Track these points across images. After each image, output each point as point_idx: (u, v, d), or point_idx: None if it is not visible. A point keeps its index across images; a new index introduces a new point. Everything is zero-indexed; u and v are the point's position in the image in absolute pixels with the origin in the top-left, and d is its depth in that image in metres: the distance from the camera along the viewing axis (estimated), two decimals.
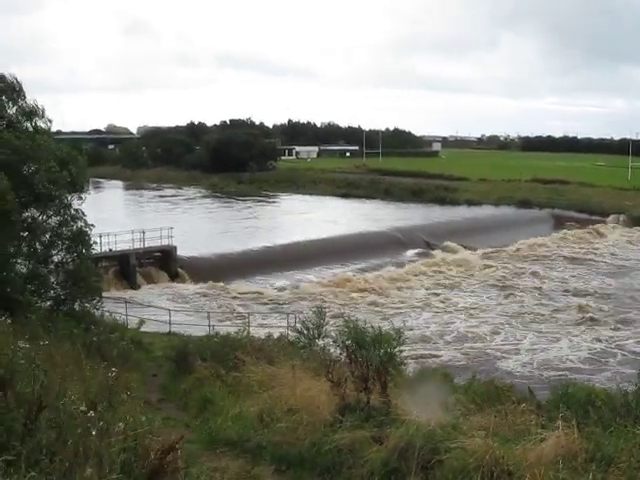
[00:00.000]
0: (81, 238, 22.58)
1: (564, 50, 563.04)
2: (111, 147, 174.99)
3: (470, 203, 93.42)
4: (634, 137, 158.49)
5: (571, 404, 13.09)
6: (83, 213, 22.94)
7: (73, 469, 5.74)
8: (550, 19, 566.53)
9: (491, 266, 56.86)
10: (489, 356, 34.01)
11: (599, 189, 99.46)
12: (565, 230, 75.67)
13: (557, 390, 15.43)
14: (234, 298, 44.53)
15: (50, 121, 23.56)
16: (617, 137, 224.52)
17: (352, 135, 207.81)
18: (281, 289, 47.69)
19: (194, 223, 75.38)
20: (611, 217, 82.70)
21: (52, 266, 22.61)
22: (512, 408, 12.06)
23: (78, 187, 23.11)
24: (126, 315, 30.35)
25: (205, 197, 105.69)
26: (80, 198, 23.36)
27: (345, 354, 12.94)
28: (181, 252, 49.95)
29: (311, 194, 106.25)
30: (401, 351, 13.14)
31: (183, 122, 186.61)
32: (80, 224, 22.76)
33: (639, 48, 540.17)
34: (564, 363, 32.78)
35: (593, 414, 11.84)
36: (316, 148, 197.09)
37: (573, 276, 55.00)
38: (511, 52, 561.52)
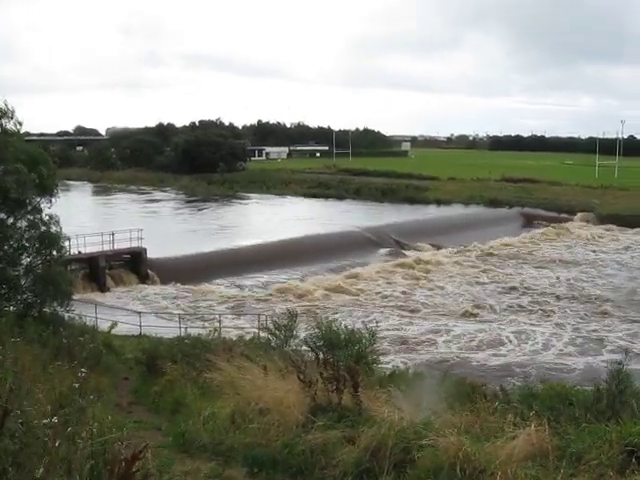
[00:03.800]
0: (51, 241, 22.35)
1: (531, 49, 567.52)
2: (79, 149, 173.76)
3: (440, 202, 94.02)
4: (601, 136, 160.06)
5: (543, 402, 13.18)
6: (54, 217, 22.74)
7: (40, 477, 5.65)
8: (516, 17, 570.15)
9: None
10: None
11: (567, 187, 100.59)
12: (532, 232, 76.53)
13: (528, 388, 15.53)
14: (205, 299, 44.43)
15: (20, 123, 23.31)
16: (585, 136, 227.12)
17: (322, 135, 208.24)
18: (254, 289, 47.66)
19: (163, 224, 75.09)
20: (579, 215, 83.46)
21: (21, 269, 22.40)
22: (484, 406, 12.11)
23: (48, 190, 22.87)
24: (96, 318, 30.12)
25: (175, 198, 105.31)
26: (50, 201, 23.16)
27: (316, 354, 12.93)
28: (151, 254, 49.64)
29: (282, 195, 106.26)
30: (374, 351, 13.14)
31: (152, 123, 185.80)
32: (53, 228, 22.55)
33: (606, 47, 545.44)
34: None
35: (564, 411, 11.92)
36: (286, 149, 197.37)
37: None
38: (478, 51, 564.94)
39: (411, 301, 45.64)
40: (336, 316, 37.61)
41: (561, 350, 35.12)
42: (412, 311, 43.16)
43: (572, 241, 71.96)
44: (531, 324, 40.12)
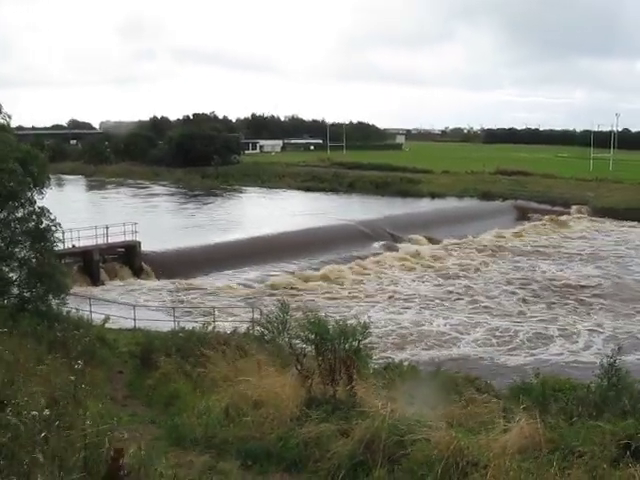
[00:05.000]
0: (42, 234, 22.23)
1: (522, 42, 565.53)
2: (73, 142, 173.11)
3: (434, 195, 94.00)
4: (595, 129, 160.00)
5: (535, 395, 13.22)
6: (48, 211, 22.63)
7: (34, 469, 5.66)
8: (507, 10, 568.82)
9: None
10: None
11: (561, 180, 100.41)
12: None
13: (521, 381, 15.58)
14: (199, 293, 44.38)
15: (9, 117, 23.15)
16: (579, 129, 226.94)
17: (316, 129, 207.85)
18: (251, 283, 47.63)
19: (158, 218, 75.06)
20: (574, 208, 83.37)
21: (15, 264, 22.30)
22: (476, 399, 12.15)
23: (39, 183, 22.73)
24: (90, 312, 30.01)
25: (176, 193, 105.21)
26: (41, 193, 23.02)
27: (311, 347, 12.96)
28: (145, 247, 49.56)
29: (276, 188, 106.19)
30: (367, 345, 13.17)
31: (146, 117, 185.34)
32: (45, 221, 22.43)
33: (597, 40, 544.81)
34: None
35: (556, 405, 11.97)
36: (280, 142, 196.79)
37: None
38: (470, 45, 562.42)
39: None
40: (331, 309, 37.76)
41: None
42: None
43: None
44: None
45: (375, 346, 31.84)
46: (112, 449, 6.20)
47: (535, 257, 59.65)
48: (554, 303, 43.62)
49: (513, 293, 46.22)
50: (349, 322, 13.68)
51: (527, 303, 43.56)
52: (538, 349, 34.37)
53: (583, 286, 47.93)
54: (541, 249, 63.71)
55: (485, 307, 42.57)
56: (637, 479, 8.37)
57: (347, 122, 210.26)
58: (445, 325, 38.39)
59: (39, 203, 22.86)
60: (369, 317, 33.26)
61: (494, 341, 35.50)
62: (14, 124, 24.31)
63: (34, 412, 6.24)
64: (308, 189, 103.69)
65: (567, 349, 34.31)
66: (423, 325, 38.33)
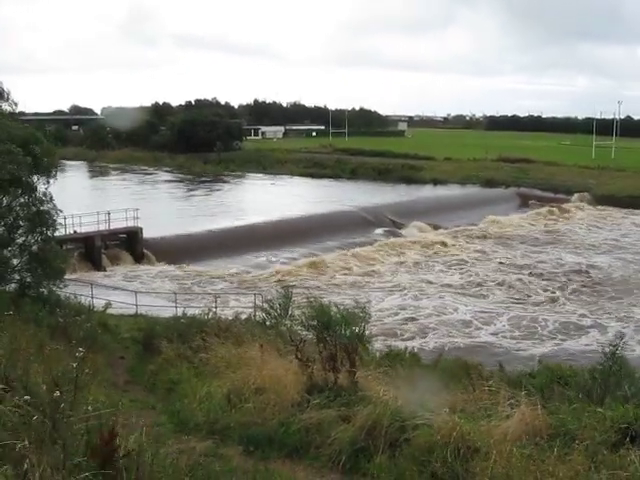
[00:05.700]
0: (42, 219, 22.19)
1: (525, 28, 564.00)
2: (75, 128, 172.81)
3: (436, 182, 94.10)
4: (598, 116, 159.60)
5: (537, 381, 13.24)
6: (51, 197, 22.60)
7: (39, 452, 5.68)
8: None
9: None
10: None
11: (564, 168, 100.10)
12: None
13: (524, 368, 15.61)
14: (202, 279, 44.40)
15: (16, 104, 23.24)
16: (581, 116, 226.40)
17: (318, 115, 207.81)
18: (255, 269, 47.69)
19: (159, 204, 75.10)
20: (576, 196, 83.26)
21: (16, 249, 22.31)
22: (479, 385, 12.16)
23: (43, 169, 22.69)
24: (92, 297, 30.01)
25: (178, 178, 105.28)
26: (47, 182, 23.01)
27: (313, 334, 12.97)
28: (147, 233, 49.56)
29: (278, 174, 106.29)
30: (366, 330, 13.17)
31: (148, 103, 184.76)
32: (48, 207, 22.41)
33: (599, 26, 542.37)
34: None
35: (558, 391, 11.99)
36: (282, 128, 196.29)
37: None
38: (473, 30, 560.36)
39: None
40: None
41: None
42: None
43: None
44: None
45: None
46: (104, 432, 6.23)
47: (547, 245, 59.58)
48: (574, 291, 43.58)
49: (523, 281, 46.02)
50: (350, 308, 13.68)
51: (535, 292, 43.45)
52: (567, 340, 34.00)
53: (599, 274, 47.80)
54: (549, 237, 63.65)
55: (496, 294, 42.57)
56: (636, 464, 8.39)
57: (349, 108, 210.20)
58: (466, 313, 38.19)
59: (46, 190, 22.85)
60: (367, 302, 33.29)
61: (516, 333, 34.97)
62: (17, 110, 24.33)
63: (42, 392, 6.29)
64: (310, 175, 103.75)
65: (596, 340, 33.27)
66: (444, 313, 38.16)
